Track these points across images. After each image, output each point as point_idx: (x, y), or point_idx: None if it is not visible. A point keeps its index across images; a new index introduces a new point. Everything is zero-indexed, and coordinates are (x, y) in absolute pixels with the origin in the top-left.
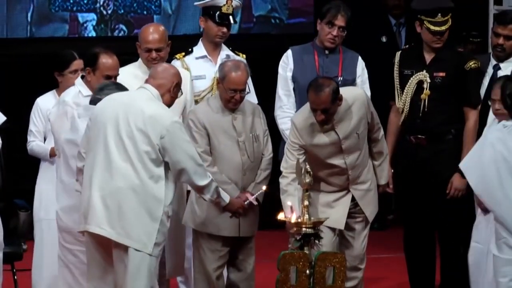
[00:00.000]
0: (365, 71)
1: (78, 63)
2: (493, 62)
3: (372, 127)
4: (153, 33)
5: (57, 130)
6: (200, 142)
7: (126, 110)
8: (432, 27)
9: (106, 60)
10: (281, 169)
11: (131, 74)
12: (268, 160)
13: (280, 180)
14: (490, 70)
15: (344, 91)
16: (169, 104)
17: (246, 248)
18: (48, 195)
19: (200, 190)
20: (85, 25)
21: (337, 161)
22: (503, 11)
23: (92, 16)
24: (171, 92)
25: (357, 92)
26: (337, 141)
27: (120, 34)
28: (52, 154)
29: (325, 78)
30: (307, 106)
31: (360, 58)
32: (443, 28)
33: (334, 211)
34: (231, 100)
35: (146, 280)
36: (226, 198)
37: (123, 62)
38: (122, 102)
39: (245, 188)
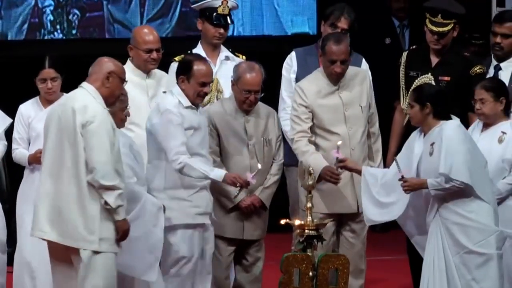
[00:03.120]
0: (369, 73)
1: (47, 72)
2: (494, 63)
3: (371, 116)
4: (149, 34)
5: (163, 139)
6: (209, 143)
7: (62, 114)
8: (429, 26)
9: (200, 67)
10: (291, 137)
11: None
12: (279, 165)
13: (296, 145)
14: (491, 71)
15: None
16: (107, 96)
17: (254, 251)
18: (29, 201)
19: (103, 189)
20: (44, 10)
21: (340, 129)
22: (501, 11)
23: (49, 2)
24: (105, 83)
25: (361, 68)
26: (340, 106)
27: (74, 18)
28: (31, 161)
29: (339, 33)
30: (310, 75)
31: (364, 60)
32: (440, 29)
33: (342, 196)
34: (245, 101)
35: (99, 280)
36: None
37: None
38: (60, 104)
39: (253, 191)
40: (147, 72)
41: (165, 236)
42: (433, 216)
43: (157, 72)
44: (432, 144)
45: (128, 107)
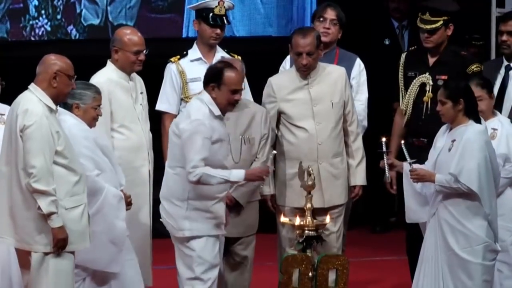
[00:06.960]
0: (363, 73)
1: None
2: (505, 62)
3: (348, 114)
4: (135, 34)
5: (187, 147)
6: None
7: (10, 118)
8: (419, 24)
9: (231, 74)
10: None
11: (111, 80)
12: (260, 164)
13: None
14: (502, 71)
15: (326, 64)
16: (56, 96)
17: (240, 249)
18: None
19: (36, 194)
20: None
21: (307, 124)
22: (506, 12)
23: None
24: (52, 83)
25: (339, 67)
26: (308, 101)
27: (59, 3)
28: None
29: (307, 27)
30: (284, 70)
31: (358, 60)
32: (428, 27)
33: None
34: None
35: (50, 282)
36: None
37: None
38: (10, 108)
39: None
40: (130, 74)
41: (190, 244)
42: (434, 212)
43: (133, 74)
44: (453, 141)
45: (100, 107)
